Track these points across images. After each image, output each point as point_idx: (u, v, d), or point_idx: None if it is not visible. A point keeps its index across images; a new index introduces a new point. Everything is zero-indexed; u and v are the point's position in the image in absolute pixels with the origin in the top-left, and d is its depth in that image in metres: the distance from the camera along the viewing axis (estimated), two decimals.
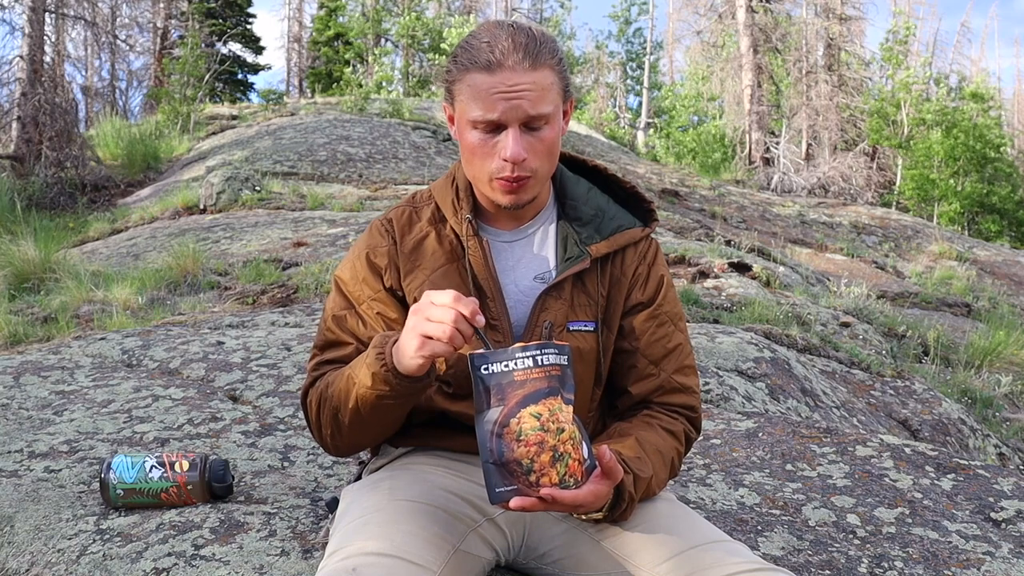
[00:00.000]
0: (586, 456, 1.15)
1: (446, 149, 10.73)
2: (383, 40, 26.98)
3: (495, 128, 1.29)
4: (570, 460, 1.12)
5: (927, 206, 20.39)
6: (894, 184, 21.72)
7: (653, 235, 1.50)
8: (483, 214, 1.42)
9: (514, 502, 1.11)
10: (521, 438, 1.10)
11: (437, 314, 1.14)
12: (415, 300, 1.39)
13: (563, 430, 1.11)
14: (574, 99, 1.43)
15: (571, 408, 1.14)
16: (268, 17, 71.92)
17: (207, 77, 16.13)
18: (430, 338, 1.15)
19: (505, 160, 1.29)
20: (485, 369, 1.13)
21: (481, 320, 1.15)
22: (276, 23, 65.28)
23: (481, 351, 1.14)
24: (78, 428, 2.18)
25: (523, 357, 1.12)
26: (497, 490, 1.11)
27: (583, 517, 1.30)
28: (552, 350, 1.14)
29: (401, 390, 1.22)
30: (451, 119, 1.38)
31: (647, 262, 1.46)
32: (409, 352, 1.17)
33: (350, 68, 22.83)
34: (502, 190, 1.32)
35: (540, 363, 1.12)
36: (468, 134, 1.31)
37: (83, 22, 14.10)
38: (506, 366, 1.12)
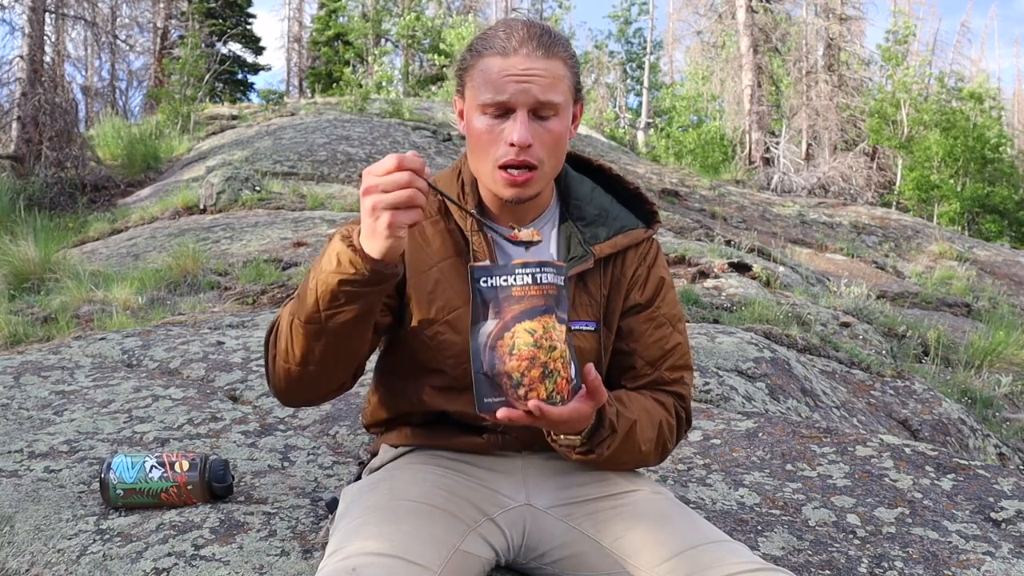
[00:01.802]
0: (573, 376, 1.17)
1: (446, 149, 10.73)
2: (383, 40, 26.99)
3: (503, 113, 1.29)
4: (559, 378, 1.15)
5: (927, 206, 20.39)
6: (894, 184, 21.71)
7: (654, 235, 1.51)
8: (487, 213, 1.42)
9: (501, 412, 1.13)
10: (514, 352, 1.13)
11: (392, 181, 1.10)
12: (412, 280, 1.37)
13: (555, 348, 1.14)
14: (584, 103, 1.44)
15: (564, 328, 1.16)
16: (268, 17, 72.02)
17: (207, 77, 16.14)
18: (397, 208, 1.10)
19: (512, 145, 1.28)
20: (484, 282, 1.15)
21: (429, 172, 1.14)
22: (276, 23, 65.32)
23: (482, 264, 1.17)
24: (78, 428, 2.18)
25: (522, 273, 1.15)
26: (485, 400, 1.14)
27: (562, 440, 1.30)
28: (550, 269, 1.16)
29: (368, 277, 1.16)
30: (461, 114, 1.38)
31: (647, 263, 1.46)
32: (382, 233, 1.11)
33: (350, 68, 22.86)
34: (505, 181, 1.31)
35: (538, 281, 1.15)
36: (476, 120, 1.31)
37: (83, 22, 14.10)
38: (505, 281, 1.15)
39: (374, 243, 1.13)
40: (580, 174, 1.49)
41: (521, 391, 1.13)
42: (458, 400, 1.39)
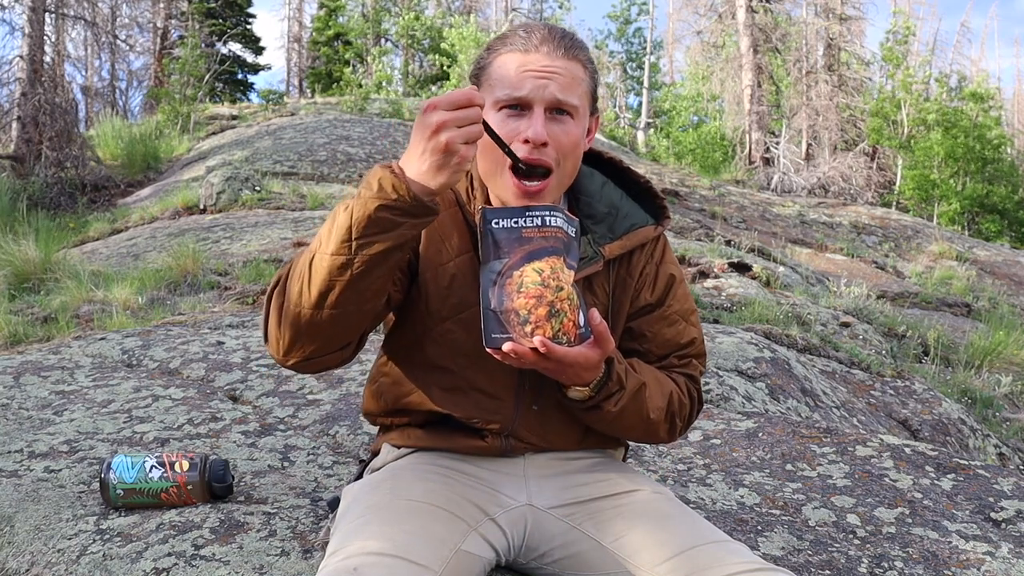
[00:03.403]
0: (582, 324, 1.19)
1: None
2: (383, 40, 26.99)
3: (520, 110, 1.28)
4: (565, 318, 1.17)
5: (927, 206, 20.37)
6: (894, 184, 21.70)
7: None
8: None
9: (507, 345, 1.15)
10: (522, 290, 1.16)
11: (467, 116, 1.09)
12: (428, 273, 1.35)
13: (562, 288, 1.17)
14: (599, 117, 1.42)
15: (572, 273, 1.19)
16: (268, 17, 72.00)
17: (207, 77, 16.15)
18: (469, 143, 1.10)
19: (527, 141, 1.26)
20: (495, 223, 1.19)
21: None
22: (276, 23, 65.30)
23: (493, 207, 1.22)
24: (78, 428, 2.18)
25: (532, 216, 1.19)
26: (493, 335, 1.17)
27: (571, 393, 1.30)
28: (560, 215, 1.20)
29: (408, 205, 1.12)
30: None
31: (655, 261, 1.45)
32: (452, 168, 1.11)
33: (350, 68, 22.83)
34: (517, 190, 1.28)
35: (547, 223, 1.19)
36: (490, 118, 1.28)
37: (83, 22, 14.10)
38: (515, 222, 1.19)
39: (438, 177, 1.11)
40: (590, 168, 1.46)
41: (528, 328, 1.15)
42: (464, 403, 1.38)
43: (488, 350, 1.17)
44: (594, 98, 1.35)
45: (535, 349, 1.15)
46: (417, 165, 1.12)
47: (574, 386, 1.28)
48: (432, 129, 1.09)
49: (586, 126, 1.34)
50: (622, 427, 1.37)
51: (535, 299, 1.15)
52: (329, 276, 1.17)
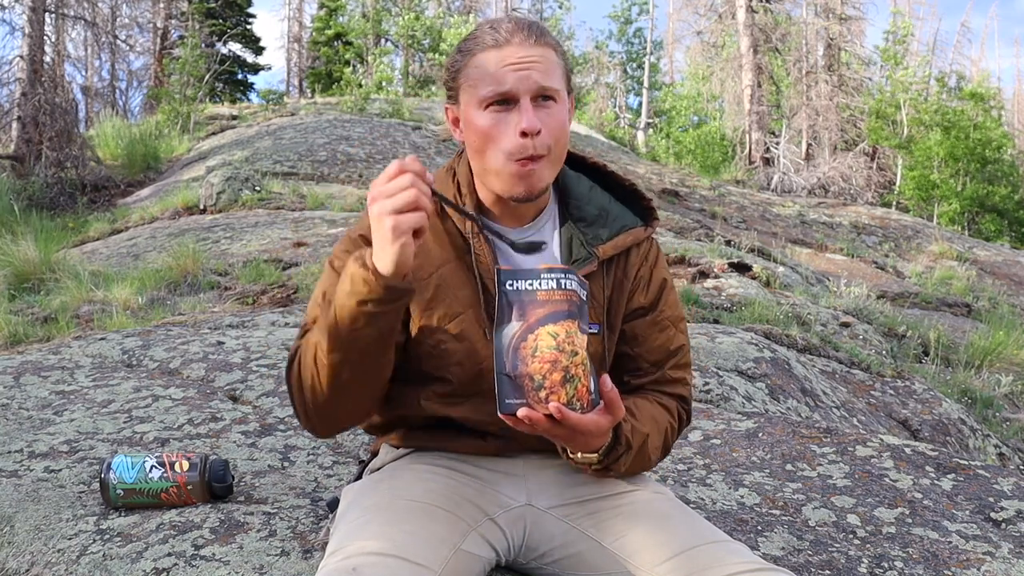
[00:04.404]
0: (593, 390, 1.18)
1: (446, 149, 10.73)
2: (383, 40, 26.98)
3: (507, 105, 1.28)
4: (579, 384, 1.16)
5: (927, 206, 20.38)
6: (894, 184, 21.71)
7: (653, 235, 1.50)
8: (486, 213, 1.40)
9: (521, 411, 1.14)
10: (536, 354, 1.14)
11: (395, 185, 1.10)
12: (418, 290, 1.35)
13: (576, 354, 1.15)
14: (575, 98, 1.43)
15: (586, 338, 1.18)
16: (268, 17, 72.04)
17: (207, 77, 16.14)
18: (401, 212, 1.10)
19: (523, 132, 1.26)
20: (510, 285, 1.18)
21: (430, 177, 1.15)
22: (276, 23, 65.34)
23: (509, 268, 1.21)
24: (78, 428, 2.18)
25: (547, 278, 1.17)
26: (507, 401, 1.15)
27: (579, 458, 1.31)
28: (574, 277, 1.19)
29: (382, 295, 1.14)
30: (455, 122, 1.36)
31: (648, 264, 1.46)
32: (387, 238, 1.11)
33: (350, 68, 22.83)
34: (517, 174, 1.29)
35: (563, 287, 1.17)
36: (478, 119, 1.29)
37: (83, 22, 14.10)
38: (530, 285, 1.17)
39: (384, 255, 1.12)
40: (576, 172, 1.47)
41: (543, 393, 1.13)
42: (462, 406, 1.38)
43: (501, 415, 1.16)
44: (568, 79, 1.36)
45: (549, 415, 1.15)
46: (375, 250, 1.15)
47: (582, 452, 1.29)
48: (368, 205, 1.13)
49: (567, 106, 1.35)
50: (624, 476, 1.39)
51: (550, 364, 1.13)
52: (332, 370, 1.23)
